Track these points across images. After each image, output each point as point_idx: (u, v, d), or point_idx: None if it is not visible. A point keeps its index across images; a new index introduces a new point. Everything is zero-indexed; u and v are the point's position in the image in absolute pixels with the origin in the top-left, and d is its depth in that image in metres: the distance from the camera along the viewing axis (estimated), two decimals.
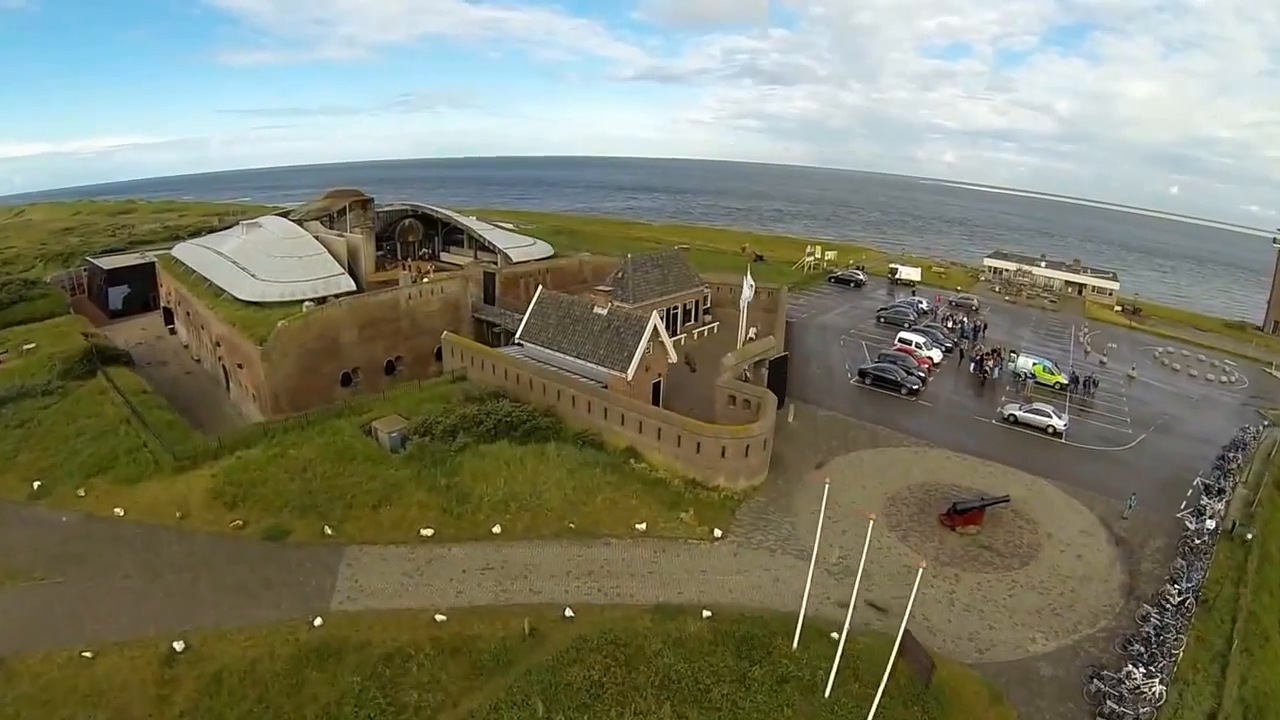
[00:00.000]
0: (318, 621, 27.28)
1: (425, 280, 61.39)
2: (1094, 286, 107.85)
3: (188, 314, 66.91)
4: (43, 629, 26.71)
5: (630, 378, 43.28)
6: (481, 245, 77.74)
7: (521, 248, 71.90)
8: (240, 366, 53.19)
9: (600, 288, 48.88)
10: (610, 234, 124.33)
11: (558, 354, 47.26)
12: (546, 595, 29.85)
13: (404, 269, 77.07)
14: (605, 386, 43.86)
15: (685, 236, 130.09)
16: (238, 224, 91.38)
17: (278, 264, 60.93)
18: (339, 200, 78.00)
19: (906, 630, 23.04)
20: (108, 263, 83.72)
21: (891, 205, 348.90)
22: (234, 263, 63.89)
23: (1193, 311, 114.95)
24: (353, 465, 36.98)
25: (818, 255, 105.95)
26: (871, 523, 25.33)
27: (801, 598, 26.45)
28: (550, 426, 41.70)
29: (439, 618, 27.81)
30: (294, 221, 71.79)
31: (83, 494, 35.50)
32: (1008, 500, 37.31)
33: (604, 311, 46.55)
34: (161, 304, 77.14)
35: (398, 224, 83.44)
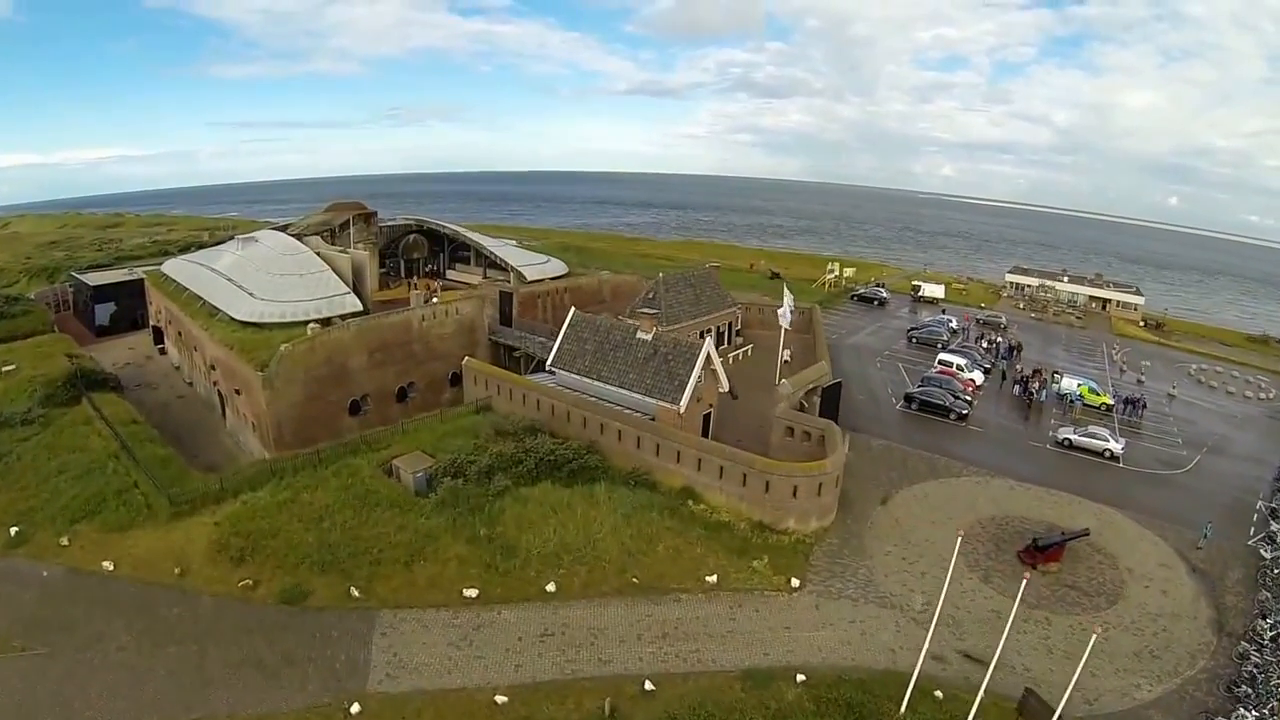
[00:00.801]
0: (355, 708, 23.44)
1: (436, 300, 57.97)
2: (1118, 301, 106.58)
3: (179, 334, 63.16)
4: (25, 716, 22.85)
5: (683, 410, 39.84)
6: (492, 263, 74.37)
7: (535, 265, 68.33)
8: (238, 393, 49.47)
9: (643, 310, 45.28)
10: (618, 250, 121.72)
11: (596, 383, 43.65)
12: (619, 664, 26.30)
13: (411, 287, 73.73)
14: (652, 419, 40.54)
15: (694, 253, 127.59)
16: (231, 239, 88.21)
17: (277, 282, 57.31)
18: (340, 214, 74.44)
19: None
20: (94, 278, 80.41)
21: (893, 220, 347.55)
22: (229, 280, 60.15)
23: (1213, 325, 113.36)
24: (377, 512, 33.06)
25: (837, 273, 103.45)
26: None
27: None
28: (598, 465, 38.18)
29: (499, 699, 24.10)
30: (293, 236, 68.22)
31: (66, 543, 31.65)
32: (1087, 533, 35.45)
33: (649, 337, 42.94)
34: (150, 322, 73.73)
35: (401, 239, 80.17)
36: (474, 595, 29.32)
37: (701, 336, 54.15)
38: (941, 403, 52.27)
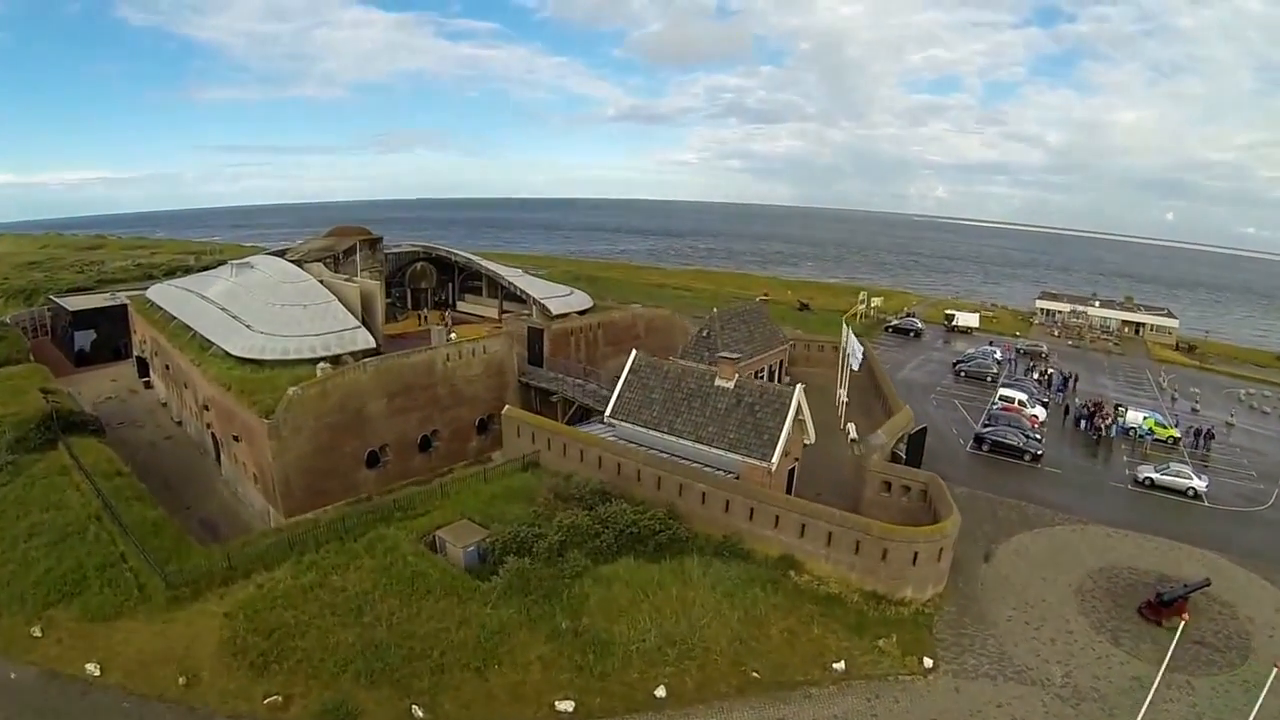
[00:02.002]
0: None
1: (453, 335, 52.98)
2: (1152, 325, 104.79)
3: (166, 367, 58.03)
4: None
5: (775, 467, 35.01)
6: (510, 294, 69.57)
7: (559, 298, 62.99)
8: (237, 439, 44.22)
9: (724, 355, 40.09)
10: (630, 280, 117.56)
11: (667, 436, 38.52)
12: None
13: (421, 320, 68.97)
14: (735, 477, 35.84)
15: (709, 283, 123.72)
16: (224, 264, 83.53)
17: (278, 313, 52.20)
18: (344, 239, 69.33)
19: None
20: (74, 303, 75.46)
21: (894, 245, 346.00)
22: (223, 310, 54.96)
23: (1244, 346, 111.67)
24: (429, 602, 27.39)
25: (869, 303, 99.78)
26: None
27: None
28: (687, 536, 33.25)
29: None
30: (292, 263, 63.23)
31: (39, 634, 26.25)
32: (1209, 584, 33.09)
33: (729, 384, 37.89)
34: (134, 353, 68.76)
35: (408, 267, 75.27)
36: (569, 709, 23.93)
37: (757, 377, 49.72)
38: (1015, 443, 49.31)
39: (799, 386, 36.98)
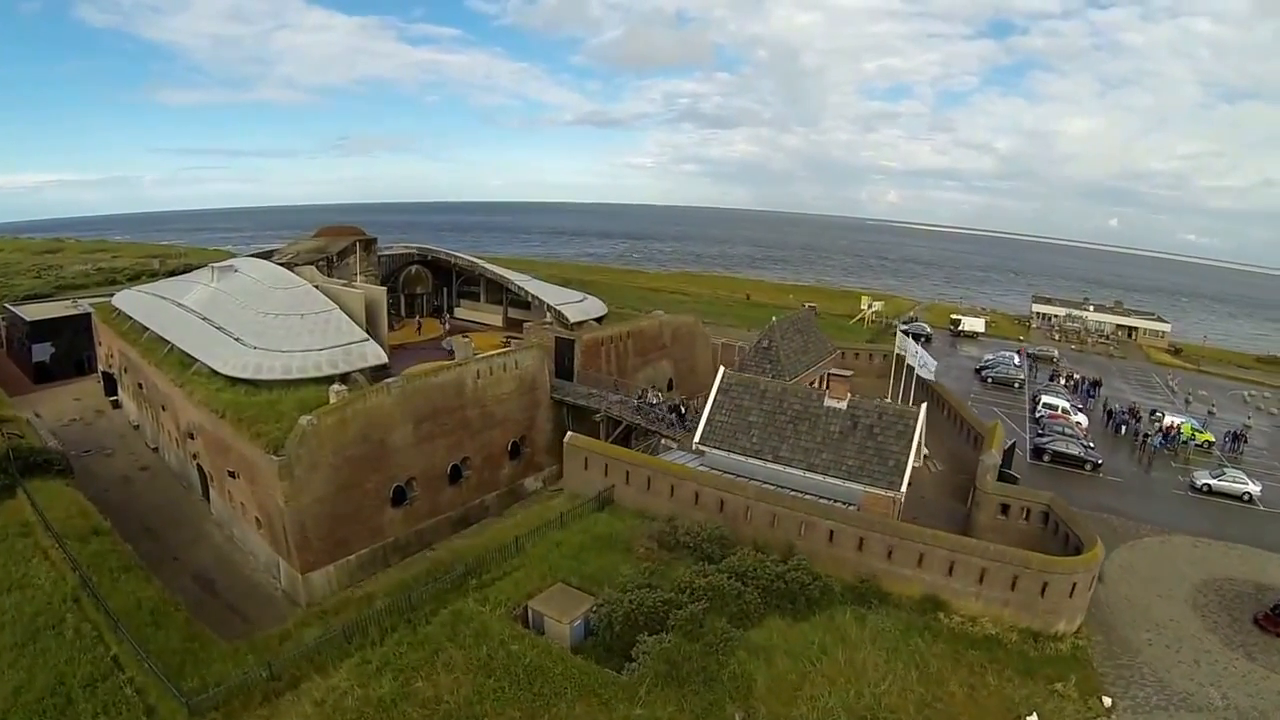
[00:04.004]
0: None
1: (468, 343, 46.01)
2: (1145, 329, 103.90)
3: (139, 386, 49.95)
4: None
5: (902, 496, 29.90)
6: (516, 300, 62.91)
7: (574, 304, 55.69)
8: (234, 475, 36.80)
9: (837, 372, 34.09)
10: (618, 284, 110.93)
11: (771, 465, 32.60)
12: None
13: (418, 329, 61.85)
14: (855, 508, 30.60)
15: (701, 286, 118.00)
16: (194, 268, 75.26)
17: (272, 324, 44.61)
18: (336, 239, 61.75)
19: None
20: (31, 311, 66.43)
21: (855, 248, 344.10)
22: (206, 320, 47.15)
23: (1226, 348, 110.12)
24: (561, 708, 20.16)
25: (876, 308, 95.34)
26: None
27: None
28: (830, 586, 27.97)
29: None
30: (281, 266, 55.50)
31: None
32: None
33: (842, 404, 32.12)
34: (100, 367, 60.48)
35: (402, 271, 68.09)
36: None
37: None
38: (1076, 453, 46.81)
39: (922, 405, 31.72)
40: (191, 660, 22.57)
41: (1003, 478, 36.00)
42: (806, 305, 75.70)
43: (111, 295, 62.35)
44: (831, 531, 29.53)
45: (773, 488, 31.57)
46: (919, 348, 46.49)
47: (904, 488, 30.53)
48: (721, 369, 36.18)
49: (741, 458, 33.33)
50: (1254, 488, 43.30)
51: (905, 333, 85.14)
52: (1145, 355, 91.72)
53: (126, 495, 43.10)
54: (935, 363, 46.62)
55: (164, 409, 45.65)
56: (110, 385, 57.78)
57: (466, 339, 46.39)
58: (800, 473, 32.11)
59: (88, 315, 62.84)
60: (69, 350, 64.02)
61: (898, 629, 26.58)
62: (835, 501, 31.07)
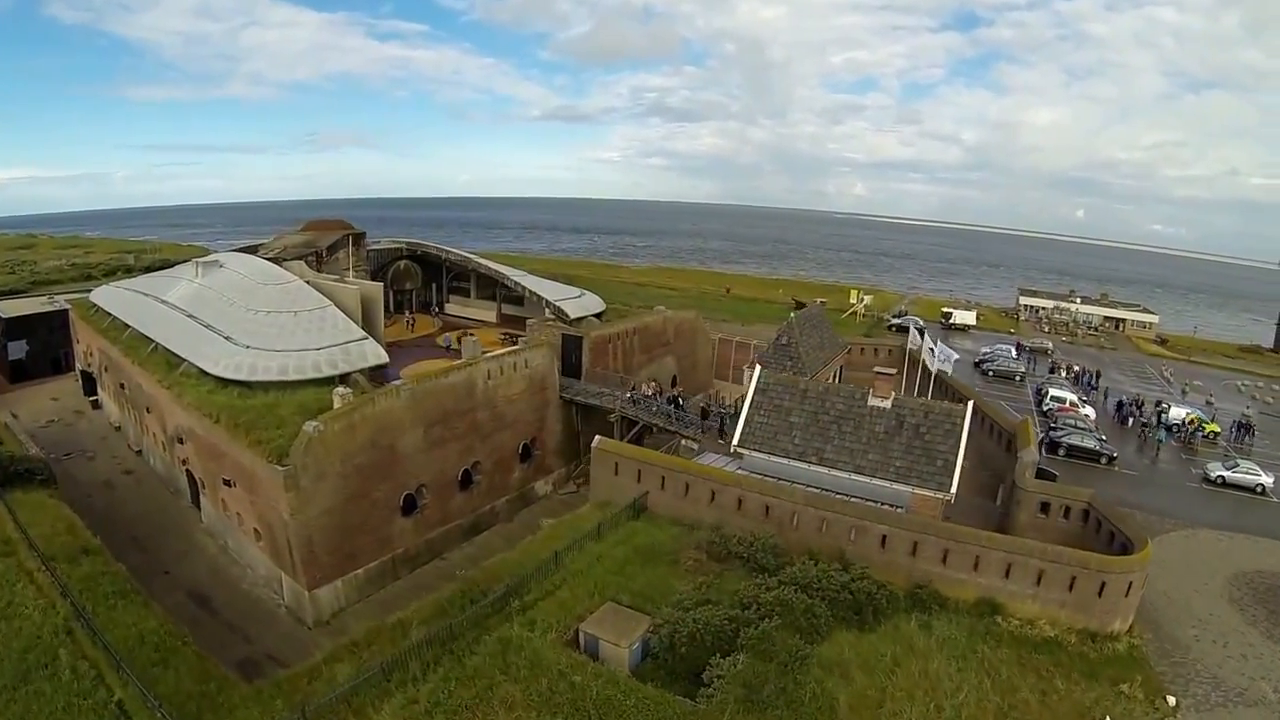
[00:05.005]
0: None
1: (476, 341, 43.65)
2: (1134, 320, 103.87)
3: (121, 386, 46.94)
4: None
5: (953, 497, 28.59)
6: (510, 296, 60.52)
7: (572, 300, 52.69)
8: (230, 484, 34.08)
9: (881, 370, 32.42)
10: (600, 278, 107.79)
11: (815, 468, 30.87)
12: None
13: (408, 325, 59.27)
14: (902, 510, 29.28)
15: (685, 281, 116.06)
16: (172, 264, 71.63)
17: (264, 322, 41.78)
18: (325, 233, 58.67)
19: None
20: (6, 308, 62.88)
21: (826, 242, 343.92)
22: (192, 317, 44.23)
23: (1209, 339, 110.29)
24: None
25: (866, 301, 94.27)
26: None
27: None
28: (895, 595, 26.78)
29: None
30: (268, 261, 52.46)
31: None
32: None
33: (886, 403, 30.36)
34: (78, 366, 57.28)
35: (390, 266, 65.37)
36: None
37: None
38: (1092, 446, 45.77)
39: (969, 403, 30.14)
40: (209, 706, 19.80)
41: (1040, 474, 34.69)
42: (818, 301, 74.45)
43: (88, 291, 59.21)
44: (884, 536, 28.13)
45: (817, 491, 29.88)
46: (935, 341, 44.96)
47: (954, 488, 29.07)
48: (758, 369, 34.18)
49: (784, 460, 31.42)
50: (1267, 479, 42.90)
51: (897, 327, 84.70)
52: (1135, 346, 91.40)
53: (110, 502, 40.23)
54: (955, 356, 44.98)
55: (148, 411, 42.76)
56: (89, 384, 54.69)
57: (473, 337, 43.98)
58: (847, 475, 30.47)
59: (64, 312, 59.54)
60: (45, 348, 61.03)
61: (962, 635, 25.58)
62: (881, 504, 29.56)
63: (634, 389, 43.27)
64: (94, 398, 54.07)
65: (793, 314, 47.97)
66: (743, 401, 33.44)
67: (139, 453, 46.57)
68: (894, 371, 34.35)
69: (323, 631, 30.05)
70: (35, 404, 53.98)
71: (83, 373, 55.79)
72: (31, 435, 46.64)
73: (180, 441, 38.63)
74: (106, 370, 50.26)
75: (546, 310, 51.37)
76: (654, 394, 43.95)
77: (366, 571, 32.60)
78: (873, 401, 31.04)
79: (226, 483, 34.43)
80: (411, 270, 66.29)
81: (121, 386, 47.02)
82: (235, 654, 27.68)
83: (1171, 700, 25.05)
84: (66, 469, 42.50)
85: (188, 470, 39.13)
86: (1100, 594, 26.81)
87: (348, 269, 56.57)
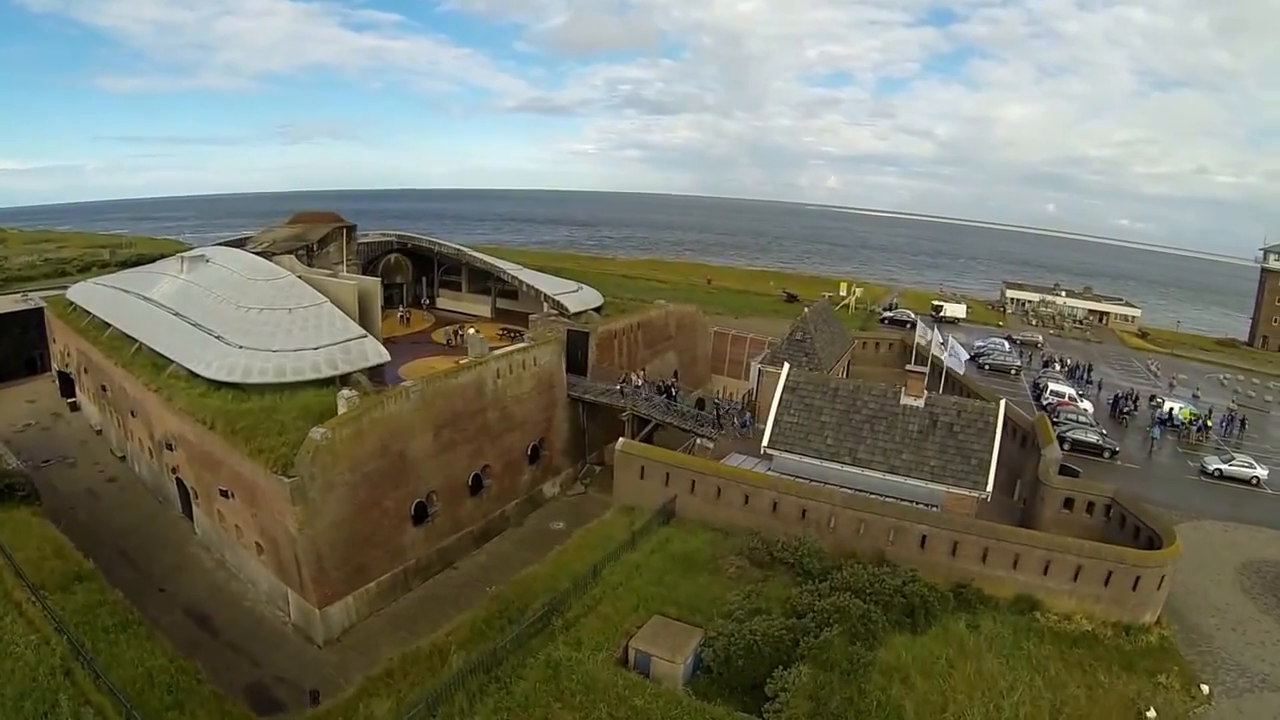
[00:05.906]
0: None
1: (483, 339, 41.79)
2: (1117, 314, 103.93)
3: (103, 388, 44.53)
4: None
5: (989, 496, 28.58)
6: (505, 290, 58.77)
7: (571, 294, 50.99)
8: (228, 495, 32.10)
9: (913, 368, 31.40)
10: (589, 271, 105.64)
11: (848, 468, 30.05)
12: None
13: (401, 320, 57.20)
14: (937, 509, 28.81)
15: (671, 273, 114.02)
16: (146, 259, 68.86)
17: (256, 320, 39.62)
18: (314, 226, 56.31)
19: None
20: None
21: (803, 234, 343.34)
22: (178, 315, 42.04)
23: (1186, 332, 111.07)
24: None
25: (858, 294, 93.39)
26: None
27: None
28: (946, 596, 26.71)
29: None
30: (257, 255, 50.16)
31: None
32: None
33: (919, 402, 29.46)
34: (55, 366, 54.88)
35: (381, 260, 63.32)
36: None
37: None
38: (1095, 440, 46.07)
39: (1002, 401, 29.56)
40: None
41: (1063, 470, 34.26)
42: (825, 295, 73.71)
43: (64, 289, 56.52)
44: (924, 536, 27.67)
45: (853, 492, 28.94)
46: (949, 336, 43.98)
47: (990, 487, 28.55)
48: (785, 368, 32.84)
49: (817, 461, 30.32)
50: (1262, 472, 43.26)
51: (889, 319, 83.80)
52: (1119, 340, 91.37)
53: (95, 513, 38.03)
54: (965, 355, 44.03)
55: (133, 415, 40.47)
56: (67, 385, 52.12)
57: (478, 334, 42.07)
58: (881, 475, 29.73)
59: (39, 310, 56.78)
60: (19, 348, 58.15)
61: (1008, 634, 25.91)
62: (916, 504, 28.90)
63: (623, 381, 41.88)
64: (72, 399, 51.47)
65: (805, 310, 46.70)
66: (751, 396, 32.20)
67: (123, 458, 44.22)
68: (925, 369, 33.44)
69: (333, 649, 28.28)
70: (11, 407, 51.38)
71: (60, 373, 53.24)
72: (7, 441, 44.04)
73: (169, 448, 36.35)
74: (86, 372, 47.78)
75: (546, 305, 49.70)
76: (643, 384, 42.60)
77: (378, 585, 30.70)
78: (906, 400, 30.37)
79: (224, 494, 32.31)
80: (402, 264, 64.34)
81: (103, 389, 44.62)
82: (243, 678, 25.90)
83: (1205, 688, 25.57)
84: (46, 477, 40.29)
85: (178, 478, 37.00)
86: (1135, 588, 27.19)
87: (340, 263, 54.40)
